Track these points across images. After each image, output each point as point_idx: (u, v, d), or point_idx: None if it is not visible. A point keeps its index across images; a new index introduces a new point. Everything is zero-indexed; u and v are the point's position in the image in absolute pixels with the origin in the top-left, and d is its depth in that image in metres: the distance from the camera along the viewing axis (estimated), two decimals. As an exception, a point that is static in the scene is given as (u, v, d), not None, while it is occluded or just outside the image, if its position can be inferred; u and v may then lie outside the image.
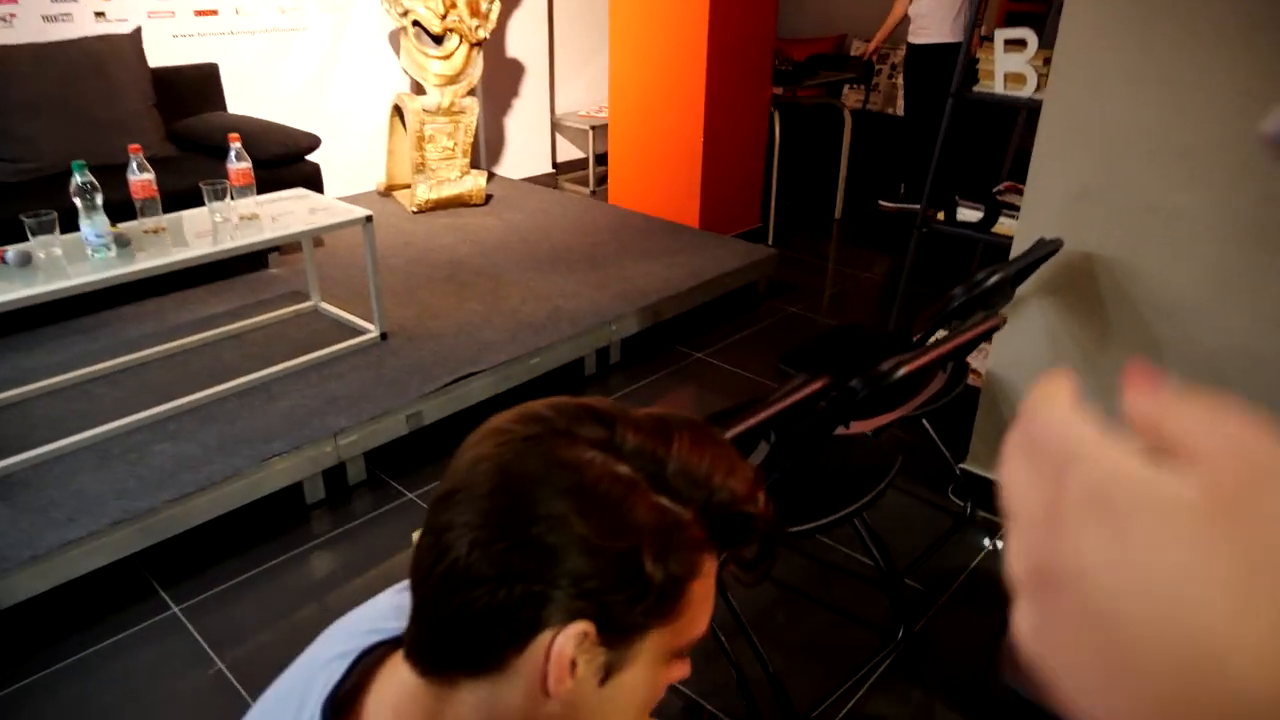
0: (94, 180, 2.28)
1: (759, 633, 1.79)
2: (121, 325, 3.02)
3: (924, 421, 2.43)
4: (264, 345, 2.88)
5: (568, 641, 0.57)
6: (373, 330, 2.90)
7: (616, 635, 0.58)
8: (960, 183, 2.74)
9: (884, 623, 2.05)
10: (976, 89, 2.41)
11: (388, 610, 0.72)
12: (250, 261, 3.48)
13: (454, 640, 0.59)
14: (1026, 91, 2.29)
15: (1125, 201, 1.98)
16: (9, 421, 2.43)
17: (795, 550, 2.25)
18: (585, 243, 3.85)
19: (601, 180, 5.49)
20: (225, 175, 2.61)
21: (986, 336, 1.61)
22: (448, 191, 4.23)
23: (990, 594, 2.15)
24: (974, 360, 2.53)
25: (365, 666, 0.68)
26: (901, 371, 1.33)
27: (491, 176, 4.77)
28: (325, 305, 3.12)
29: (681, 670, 0.66)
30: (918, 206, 4.90)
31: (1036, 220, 2.09)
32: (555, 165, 5.53)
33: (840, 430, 1.43)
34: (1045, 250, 1.90)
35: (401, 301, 3.19)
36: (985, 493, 2.42)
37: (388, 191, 4.43)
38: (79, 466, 2.22)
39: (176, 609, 2.06)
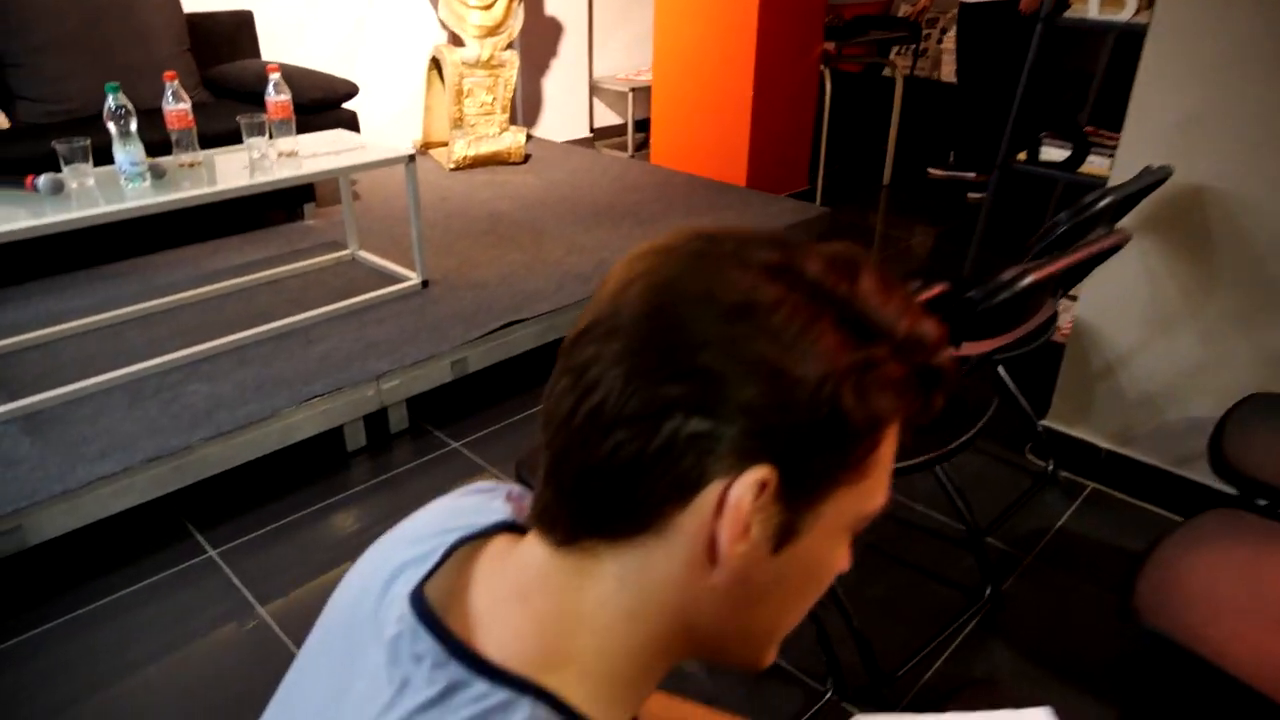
0: (129, 105, 2.17)
1: (837, 588, 1.65)
2: (153, 271, 2.92)
3: (1001, 371, 2.27)
4: (301, 291, 2.76)
5: (745, 491, 0.45)
6: (413, 278, 2.78)
7: (799, 489, 0.47)
8: (1041, 122, 2.56)
9: (967, 582, 1.90)
10: (1068, 15, 2.24)
11: (453, 511, 0.60)
12: (286, 211, 3.37)
13: (601, 497, 0.47)
14: (1125, 15, 2.12)
15: (1241, 127, 1.80)
16: (38, 361, 2.33)
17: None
18: (629, 200, 3.71)
19: (640, 146, 5.34)
20: (263, 110, 2.50)
21: (1112, 252, 1.46)
22: (486, 149, 4.10)
23: (1078, 555, 1.99)
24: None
25: (454, 563, 0.55)
26: (1028, 280, 1.18)
27: (529, 138, 4.63)
28: (363, 253, 3.00)
29: (845, 560, 0.54)
30: (969, 175, 4.77)
31: (1140, 149, 1.92)
32: (593, 130, 5.38)
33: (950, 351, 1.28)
34: (1155, 177, 1.74)
35: (441, 253, 3.06)
36: (1069, 451, 2.26)
37: (424, 149, 4.31)
38: (110, 405, 2.12)
39: (213, 552, 1.95)
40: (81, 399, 2.13)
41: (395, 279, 2.81)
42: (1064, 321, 2.43)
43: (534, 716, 0.46)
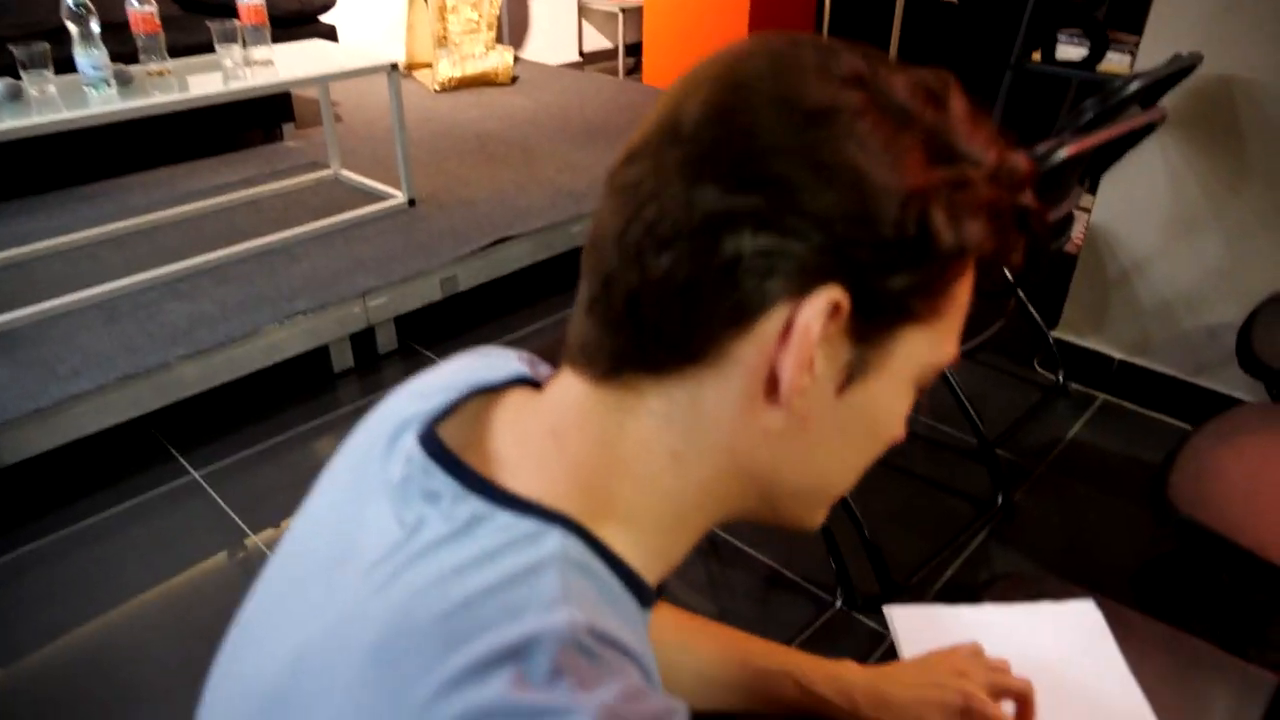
0: (89, 3, 2.03)
1: (849, 498, 1.59)
2: (127, 193, 2.80)
3: (1008, 274, 2.19)
4: (282, 211, 2.65)
5: (816, 314, 0.40)
6: (399, 196, 2.67)
7: (871, 318, 0.42)
8: (1055, 20, 2.43)
9: (977, 493, 1.85)
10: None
11: (464, 367, 0.54)
12: (264, 131, 3.23)
13: (651, 323, 0.42)
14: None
15: (1275, 10, 1.70)
16: (8, 280, 2.23)
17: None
18: (623, 119, 3.58)
19: (631, 71, 5.17)
20: (235, 17, 2.35)
21: (1147, 131, 1.37)
22: (472, 69, 3.94)
23: (1089, 465, 1.94)
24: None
25: (470, 411, 0.49)
26: (1064, 153, 1.09)
27: (516, 61, 4.46)
28: (346, 173, 2.88)
29: (902, 424, 0.49)
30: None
31: (1165, 37, 1.81)
32: (582, 54, 5.20)
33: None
34: (1186, 63, 1.64)
35: (428, 172, 2.94)
36: (1080, 363, 2.19)
37: (408, 71, 4.14)
38: (85, 323, 2.02)
39: (197, 474, 1.88)
40: (55, 318, 2.04)
41: (380, 197, 2.70)
42: (1076, 233, 2.35)
43: (565, 546, 0.41)
